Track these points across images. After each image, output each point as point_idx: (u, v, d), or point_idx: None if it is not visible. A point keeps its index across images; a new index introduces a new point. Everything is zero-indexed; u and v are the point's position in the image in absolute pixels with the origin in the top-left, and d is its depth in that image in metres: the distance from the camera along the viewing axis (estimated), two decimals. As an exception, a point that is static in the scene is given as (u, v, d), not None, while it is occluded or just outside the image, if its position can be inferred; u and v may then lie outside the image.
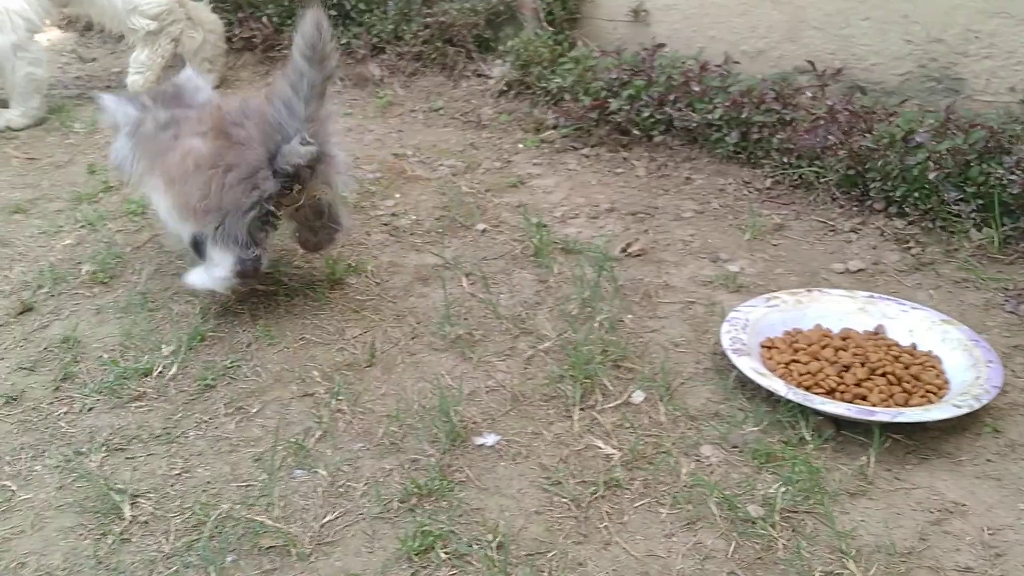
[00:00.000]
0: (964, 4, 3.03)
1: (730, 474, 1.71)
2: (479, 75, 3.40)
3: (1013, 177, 2.30)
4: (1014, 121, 2.39)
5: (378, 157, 2.96)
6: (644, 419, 1.85)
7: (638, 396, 1.91)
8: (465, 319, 2.16)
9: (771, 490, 1.66)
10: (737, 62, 2.99)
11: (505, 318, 2.15)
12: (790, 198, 2.66)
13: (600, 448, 1.77)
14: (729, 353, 1.91)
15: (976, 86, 3.10)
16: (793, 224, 2.56)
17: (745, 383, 1.90)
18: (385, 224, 2.57)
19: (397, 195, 2.74)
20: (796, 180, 2.68)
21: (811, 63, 2.74)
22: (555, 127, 3.09)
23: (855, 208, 2.56)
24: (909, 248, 2.40)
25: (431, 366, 2.00)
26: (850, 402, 1.81)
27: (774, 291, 2.17)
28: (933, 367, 1.90)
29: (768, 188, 2.71)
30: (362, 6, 3.57)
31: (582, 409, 1.87)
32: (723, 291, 2.28)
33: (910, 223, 2.46)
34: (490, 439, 1.79)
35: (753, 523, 1.60)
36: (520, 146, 3.04)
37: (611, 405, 1.89)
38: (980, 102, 3.06)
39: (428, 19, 3.45)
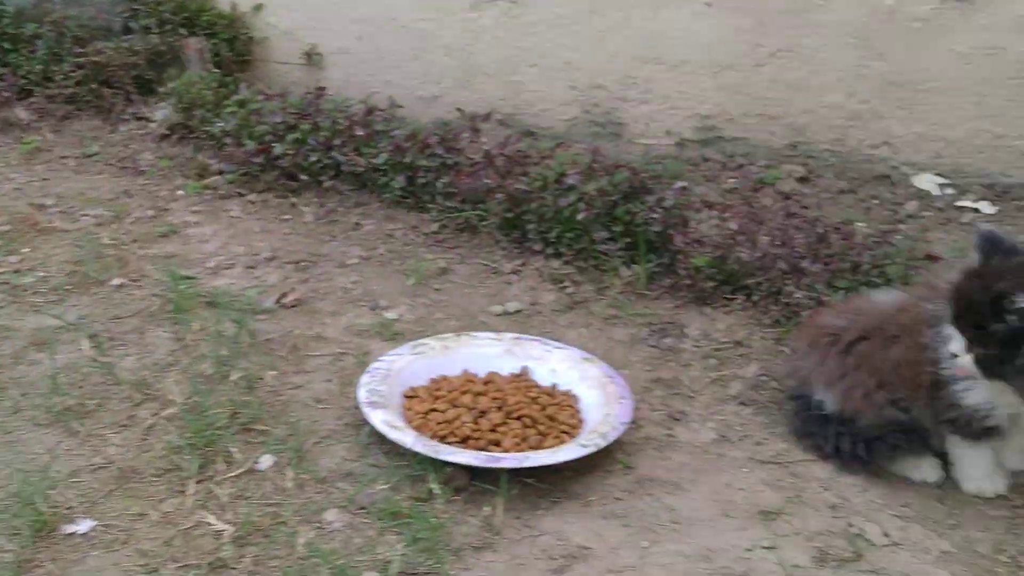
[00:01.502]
0: (622, 51, 3.17)
1: (352, 539, 1.60)
2: (139, 118, 3.17)
3: (654, 215, 2.37)
4: (654, 162, 2.47)
5: (11, 208, 2.66)
6: (267, 487, 1.71)
7: (266, 461, 1.77)
8: (80, 387, 1.93)
9: (391, 553, 1.56)
10: (400, 106, 2.96)
11: (127, 383, 1.95)
12: (456, 242, 2.63)
13: (211, 524, 1.61)
14: (363, 406, 1.81)
15: (636, 130, 3.24)
16: (458, 268, 2.52)
17: (383, 438, 1.81)
18: (4, 283, 2.29)
19: (25, 250, 2.45)
20: (461, 224, 2.65)
21: (460, 109, 2.73)
22: (220, 173, 2.91)
23: (516, 250, 2.56)
24: (564, 288, 2.42)
25: (29, 445, 1.76)
26: (483, 449, 1.76)
27: (425, 338, 2.10)
28: (570, 407, 1.89)
29: (435, 232, 2.66)
30: (6, 44, 3.24)
31: (199, 481, 1.70)
32: (377, 340, 2.19)
33: (566, 263, 2.48)
34: (83, 526, 1.58)
35: (367, 592, 1.49)
36: (180, 193, 2.84)
37: (233, 474, 1.73)
38: (640, 145, 3.20)
39: (81, 59, 3.18)
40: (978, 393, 1.64)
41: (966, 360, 1.60)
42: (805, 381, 1.87)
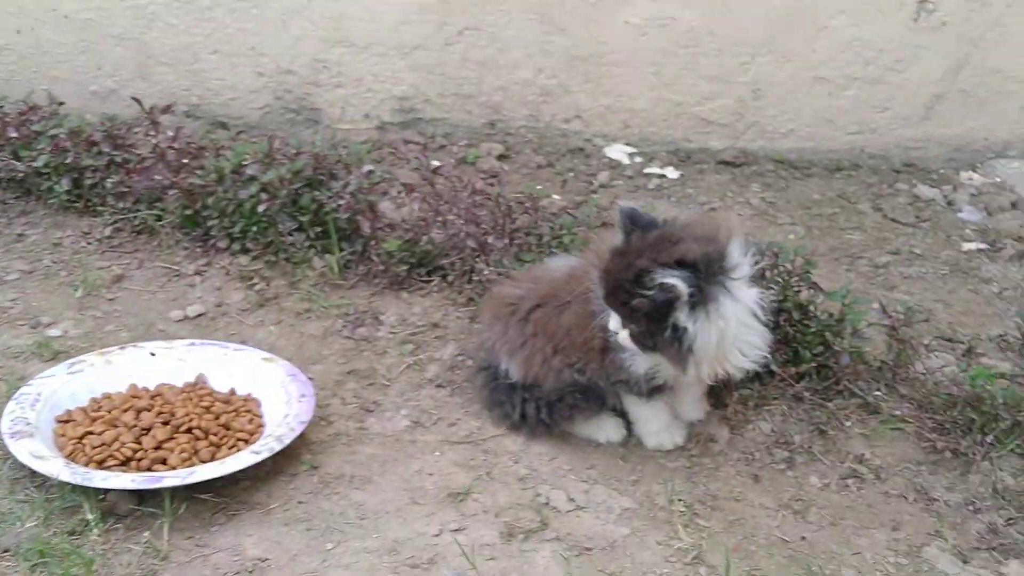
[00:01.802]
0: (308, 34, 3.05)
1: (-8, 588, 1.41)
2: None
3: (341, 202, 2.29)
4: (336, 147, 2.38)
5: None
6: None
7: None
8: None
9: (38, 598, 1.39)
10: (62, 103, 2.69)
11: None
12: (134, 246, 2.43)
13: None
14: (5, 438, 1.62)
15: (333, 115, 3.14)
16: (135, 274, 2.33)
17: (34, 471, 1.62)
18: None
19: None
20: (138, 226, 2.45)
21: (137, 100, 2.53)
22: None
23: (200, 249, 2.40)
24: (254, 285, 2.29)
25: None
26: (149, 468, 1.61)
27: (86, 354, 1.91)
28: (249, 411, 1.78)
29: (109, 237, 2.45)
30: None
31: None
32: (36, 361, 1.98)
33: (254, 259, 2.35)
34: None
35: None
36: None
37: None
38: (340, 131, 3.10)
39: None
40: (642, 361, 1.67)
41: (623, 336, 1.62)
42: (491, 352, 1.86)
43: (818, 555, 1.59)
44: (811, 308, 1.90)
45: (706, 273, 1.54)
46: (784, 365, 1.89)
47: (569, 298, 1.76)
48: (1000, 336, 2.09)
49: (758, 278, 1.66)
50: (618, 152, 3.13)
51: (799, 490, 1.73)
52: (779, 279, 1.92)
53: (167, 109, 2.59)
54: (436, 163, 2.41)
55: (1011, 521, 1.66)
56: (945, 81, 3.07)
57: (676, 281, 1.51)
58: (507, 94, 3.13)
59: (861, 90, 3.07)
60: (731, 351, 1.61)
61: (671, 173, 3.01)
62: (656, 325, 1.56)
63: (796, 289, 1.91)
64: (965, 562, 1.59)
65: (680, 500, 1.69)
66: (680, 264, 1.53)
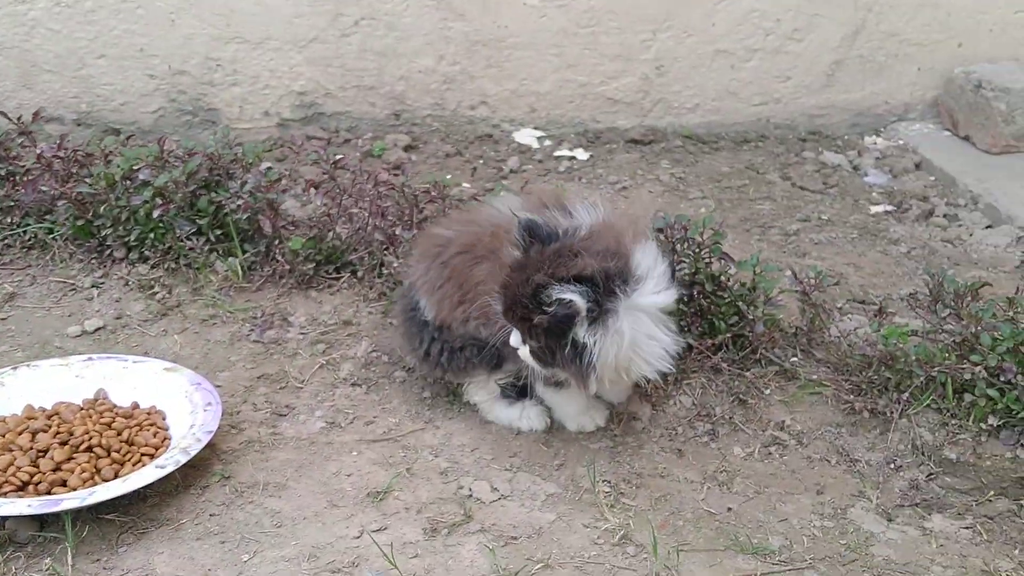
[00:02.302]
0: (199, 32, 2.95)
1: None
2: None
3: (240, 202, 2.21)
4: (232, 147, 2.30)
5: None
6: None
7: None
8: None
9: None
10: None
11: None
12: (25, 261, 2.31)
13: None
14: None
15: (231, 114, 3.05)
16: (28, 291, 2.22)
17: (-80, 504, 1.51)
18: None
19: None
20: (28, 240, 2.33)
21: (3, 113, 2.40)
22: None
23: (96, 260, 2.29)
24: (155, 294, 2.19)
25: None
26: (48, 492, 1.53)
27: (-23, 377, 1.81)
28: (153, 425, 1.70)
29: (-1, 254, 2.33)
30: None
31: None
32: (-77, 390, 1.85)
33: (153, 267, 2.26)
34: None
35: None
36: None
37: None
38: (239, 130, 3.01)
39: None
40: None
41: (524, 352, 1.58)
42: (413, 287, 1.80)
43: (745, 525, 1.58)
44: (723, 279, 1.90)
45: (605, 288, 1.49)
46: (700, 338, 1.89)
47: (485, 253, 1.69)
48: (910, 295, 2.11)
49: (674, 279, 1.62)
50: (527, 136, 3.10)
51: (723, 461, 1.72)
52: (690, 252, 1.91)
53: (36, 117, 2.45)
54: (339, 156, 2.34)
55: (931, 476, 1.68)
56: (843, 48, 3.11)
57: (574, 297, 1.47)
58: (410, 83, 3.08)
59: (762, 61, 3.10)
60: (634, 362, 1.56)
61: (580, 155, 2.99)
62: (556, 341, 1.52)
63: (707, 261, 1.90)
64: (890, 520, 1.59)
65: (605, 481, 1.66)
66: (578, 280, 1.49)
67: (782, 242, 2.47)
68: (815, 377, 1.88)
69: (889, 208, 2.68)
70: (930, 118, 3.19)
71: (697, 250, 1.90)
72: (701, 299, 1.89)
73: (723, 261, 1.90)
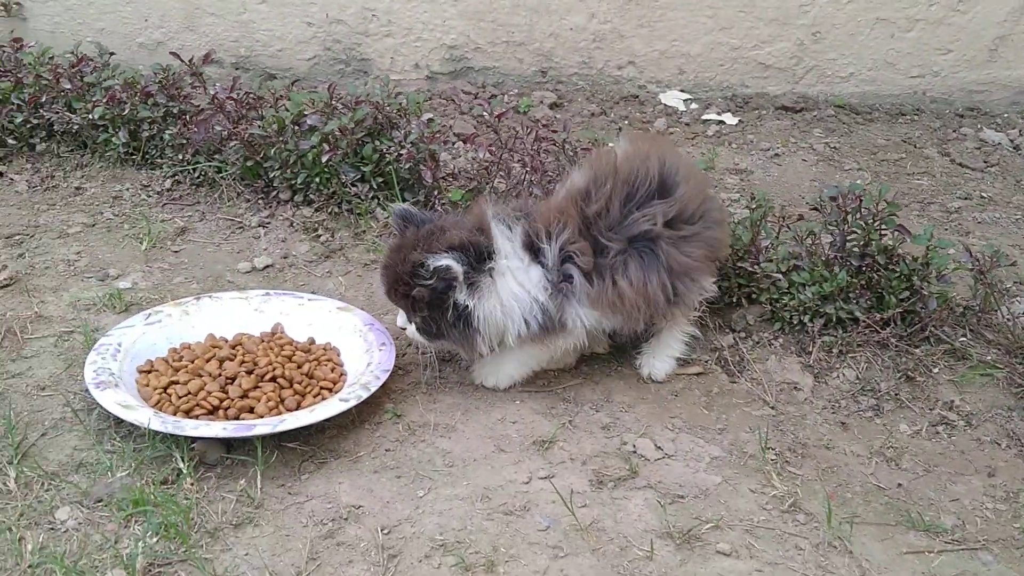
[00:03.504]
0: (357, -18, 2.99)
1: (91, 537, 1.41)
2: None
3: (403, 152, 2.25)
4: (398, 95, 2.34)
5: None
6: (-16, 492, 1.48)
7: (-20, 464, 1.53)
8: None
9: (136, 545, 1.38)
10: (112, 53, 2.66)
11: None
12: (194, 198, 2.41)
13: (-89, 546, 1.37)
14: (91, 388, 1.60)
15: (383, 65, 3.10)
16: (198, 226, 2.31)
17: (120, 421, 1.61)
18: None
19: None
20: (198, 178, 2.43)
21: (176, 54, 2.48)
22: (-94, 145, 2.53)
23: (262, 201, 2.37)
24: (318, 236, 2.26)
25: None
26: (236, 417, 1.60)
27: (161, 305, 1.90)
28: (330, 360, 1.76)
29: (169, 189, 2.43)
30: None
31: None
32: (109, 313, 1.96)
33: (317, 210, 2.32)
34: None
35: (110, 594, 1.31)
36: None
37: (-61, 483, 1.49)
38: (391, 81, 3.05)
39: None
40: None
41: (411, 331, 1.70)
42: None
43: (915, 502, 1.56)
44: (897, 252, 1.86)
45: (476, 254, 1.63)
46: (868, 311, 1.86)
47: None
48: (1082, 281, 2.04)
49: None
50: (673, 98, 3.07)
51: (889, 437, 1.70)
52: (862, 223, 1.87)
53: (208, 59, 2.53)
54: (501, 110, 2.36)
55: (1108, 466, 1.63)
56: (1009, 22, 2.99)
57: (449, 262, 1.60)
58: (559, 40, 3.07)
59: (923, 32, 3.00)
60: (508, 324, 1.65)
61: (729, 119, 2.95)
62: (437, 311, 1.64)
63: (881, 233, 1.87)
64: (1065, 507, 1.56)
65: (770, 448, 1.66)
66: (451, 248, 1.62)
67: (943, 219, 2.41)
68: (988, 358, 1.84)
69: (1054, 191, 2.58)
70: (1097, 99, 3.06)
71: (870, 221, 1.86)
72: (871, 272, 1.86)
73: (896, 234, 1.86)
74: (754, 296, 1.94)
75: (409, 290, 1.65)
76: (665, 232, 1.66)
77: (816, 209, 1.97)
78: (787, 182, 2.58)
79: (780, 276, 1.89)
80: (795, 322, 1.89)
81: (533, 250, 1.66)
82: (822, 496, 1.55)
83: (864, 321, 1.85)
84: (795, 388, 1.81)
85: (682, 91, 3.09)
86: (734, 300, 1.95)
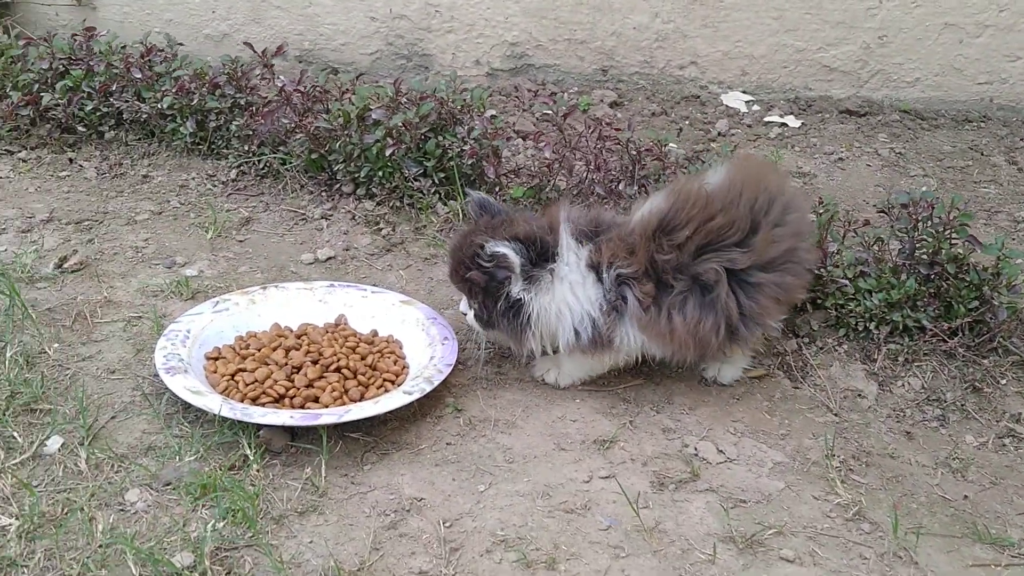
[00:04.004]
0: (421, -23, 3.01)
1: (159, 519, 1.44)
2: None
3: (466, 147, 2.26)
4: (462, 91, 2.35)
5: None
6: (57, 471, 1.52)
7: (54, 443, 1.57)
8: None
9: (204, 529, 1.41)
10: (181, 44, 2.70)
11: None
12: (258, 188, 2.44)
13: (-11, 521, 1.40)
14: (161, 373, 1.63)
15: (444, 61, 3.11)
16: (262, 216, 2.34)
17: (187, 406, 1.64)
18: None
19: None
20: (262, 169, 2.46)
21: (249, 44, 2.51)
22: (-19, 130, 2.59)
23: (325, 193, 2.39)
24: (380, 229, 2.28)
25: None
26: (301, 406, 1.62)
27: (228, 294, 1.92)
28: (392, 353, 1.78)
29: (234, 180, 2.46)
30: None
31: (-28, 474, 1.49)
32: (176, 300, 2.00)
33: (379, 204, 2.34)
34: None
35: (180, 575, 1.33)
36: (-64, 155, 2.50)
37: (16, 461, 1.52)
38: (451, 78, 3.06)
39: None
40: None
41: (470, 317, 1.72)
42: None
43: (982, 514, 1.54)
44: (967, 262, 1.83)
45: (539, 250, 1.64)
46: (935, 320, 1.83)
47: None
48: None
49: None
50: (735, 100, 3.05)
51: (955, 448, 1.68)
52: (932, 231, 1.85)
53: (280, 51, 2.56)
54: (565, 109, 2.36)
55: None
56: (1083, 29, 2.92)
57: (506, 250, 1.61)
58: (621, 39, 3.07)
59: (992, 38, 2.95)
60: (560, 328, 1.66)
61: (792, 122, 2.93)
62: (491, 298, 1.66)
63: (951, 242, 1.84)
64: None
65: (834, 456, 1.64)
66: (513, 239, 1.63)
67: (1011, 228, 2.36)
68: (1059, 372, 1.81)
69: None
70: None
71: (941, 229, 1.84)
72: (940, 280, 1.83)
73: (969, 243, 1.83)
74: (819, 301, 1.92)
75: (467, 272, 1.67)
76: (732, 280, 1.63)
77: (884, 212, 1.94)
78: (851, 187, 2.55)
79: (846, 282, 1.87)
80: (860, 329, 1.87)
81: (596, 271, 1.65)
82: (887, 505, 1.54)
83: (931, 330, 1.83)
84: (859, 395, 1.79)
85: (744, 92, 3.07)
86: (799, 305, 1.94)
